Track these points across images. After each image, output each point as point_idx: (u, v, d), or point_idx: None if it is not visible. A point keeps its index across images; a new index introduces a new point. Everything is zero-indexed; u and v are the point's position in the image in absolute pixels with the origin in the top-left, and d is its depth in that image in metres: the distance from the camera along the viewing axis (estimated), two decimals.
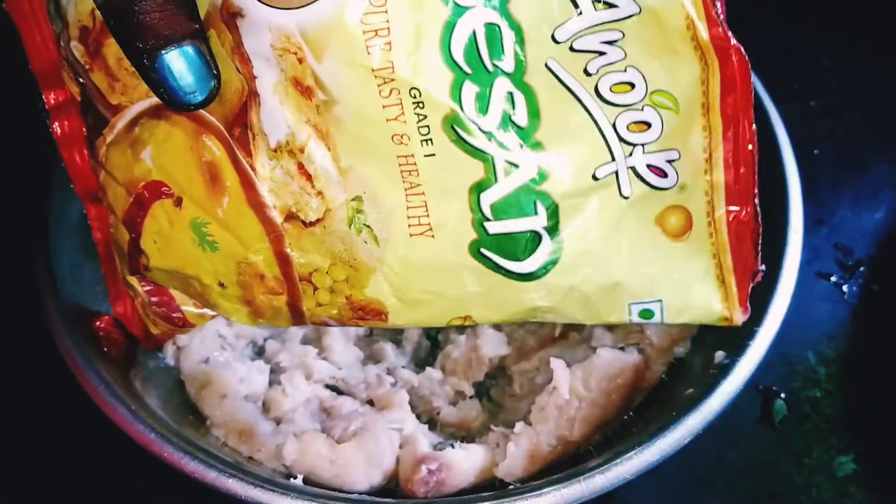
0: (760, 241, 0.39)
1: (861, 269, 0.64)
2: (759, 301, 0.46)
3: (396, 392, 0.51)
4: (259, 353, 0.56)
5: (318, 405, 0.52)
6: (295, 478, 0.44)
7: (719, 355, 0.45)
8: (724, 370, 0.43)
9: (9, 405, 0.54)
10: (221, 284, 0.40)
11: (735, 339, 0.45)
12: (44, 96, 0.39)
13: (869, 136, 0.72)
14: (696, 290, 0.40)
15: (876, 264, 0.64)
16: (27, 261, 0.48)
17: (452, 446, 0.48)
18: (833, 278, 0.64)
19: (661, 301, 0.39)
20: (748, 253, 0.39)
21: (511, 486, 0.45)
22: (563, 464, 0.47)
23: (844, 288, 0.63)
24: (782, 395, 0.57)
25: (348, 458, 0.46)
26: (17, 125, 0.54)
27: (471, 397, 0.54)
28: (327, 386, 0.53)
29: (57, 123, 0.39)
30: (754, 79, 0.53)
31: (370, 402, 0.52)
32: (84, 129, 0.40)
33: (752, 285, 0.41)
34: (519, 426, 0.48)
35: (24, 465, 0.53)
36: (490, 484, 0.48)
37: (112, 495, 0.52)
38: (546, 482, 0.40)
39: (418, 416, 0.52)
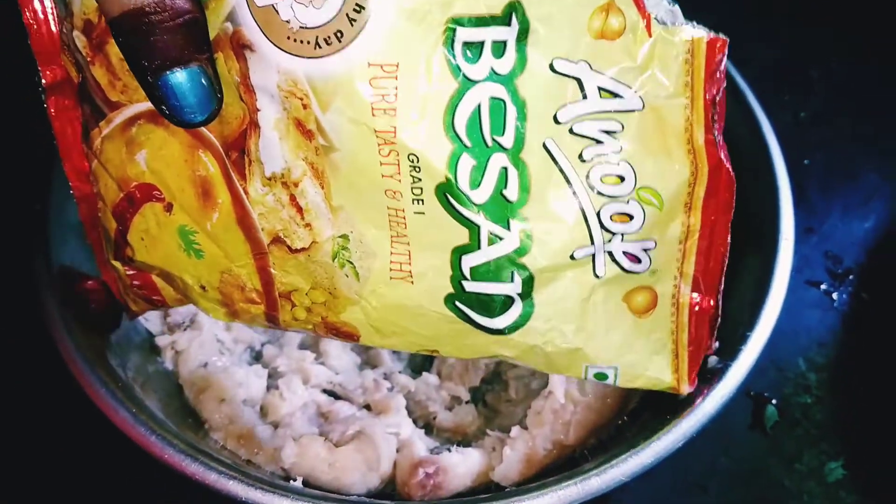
0: (717, 326, 0.42)
1: (850, 277, 0.65)
2: (750, 308, 0.47)
3: (393, 397, 0.52)
4: (256, 357, 0.56)
5: (315, 409, 0.52)
6: (294, 480, 0.44)
7: (712, 360, 0.46)
8: (717, 374, 0.44)
9: (9, 405, 0.54)
10: (203, 287, 0.40)
11: (727, 344, 0.46)
12: (41, 73, 0.38)
13: (858, 145, 0.73)
14: (651, 361, 0.42)
15: (865, 273, 0.65)
16: (27, 261, 0.48)
17: (449, 450, 0.49)
18: (823, 286, 0.64)
19: (616, 368, 0.41)
20: (704, 335, 0.42)
21: (507, 489, 0.46)
22: (559, 467, 0.48)
23: (834, 296, 0.64)
24: (773, 402, 0.58)
25: (346, 462, 0.46)
26: (16, 125, 0.55)
27: (467, 402, 0.54)
28: (324, 391, 0.54)
29: (53, 99, 0.39)
30: (746, 87, 0.55)
31: (367, 407, 0.52)
32: (79, 113, 0.40)
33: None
34: (515, 430, 0.49)
35: (23, 466, 0.53)
36: (486, 487, 0.48)
37: (111, 496, 0.52)
38: (542, 484, 0.40)
39: (415, 421, 0.52)
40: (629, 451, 0.41)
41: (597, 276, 0.38)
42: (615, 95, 0.35)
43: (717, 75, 0.35)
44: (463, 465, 0.47)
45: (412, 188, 0.34)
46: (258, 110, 0.34)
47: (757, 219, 0.51)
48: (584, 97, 0.35)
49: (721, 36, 0.35)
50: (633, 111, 0.35)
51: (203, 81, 0.32)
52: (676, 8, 0.35)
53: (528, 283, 0.37)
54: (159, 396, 0.48)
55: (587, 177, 0.36)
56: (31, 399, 0.54)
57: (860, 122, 0.74)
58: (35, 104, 0.40)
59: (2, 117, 0.63)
